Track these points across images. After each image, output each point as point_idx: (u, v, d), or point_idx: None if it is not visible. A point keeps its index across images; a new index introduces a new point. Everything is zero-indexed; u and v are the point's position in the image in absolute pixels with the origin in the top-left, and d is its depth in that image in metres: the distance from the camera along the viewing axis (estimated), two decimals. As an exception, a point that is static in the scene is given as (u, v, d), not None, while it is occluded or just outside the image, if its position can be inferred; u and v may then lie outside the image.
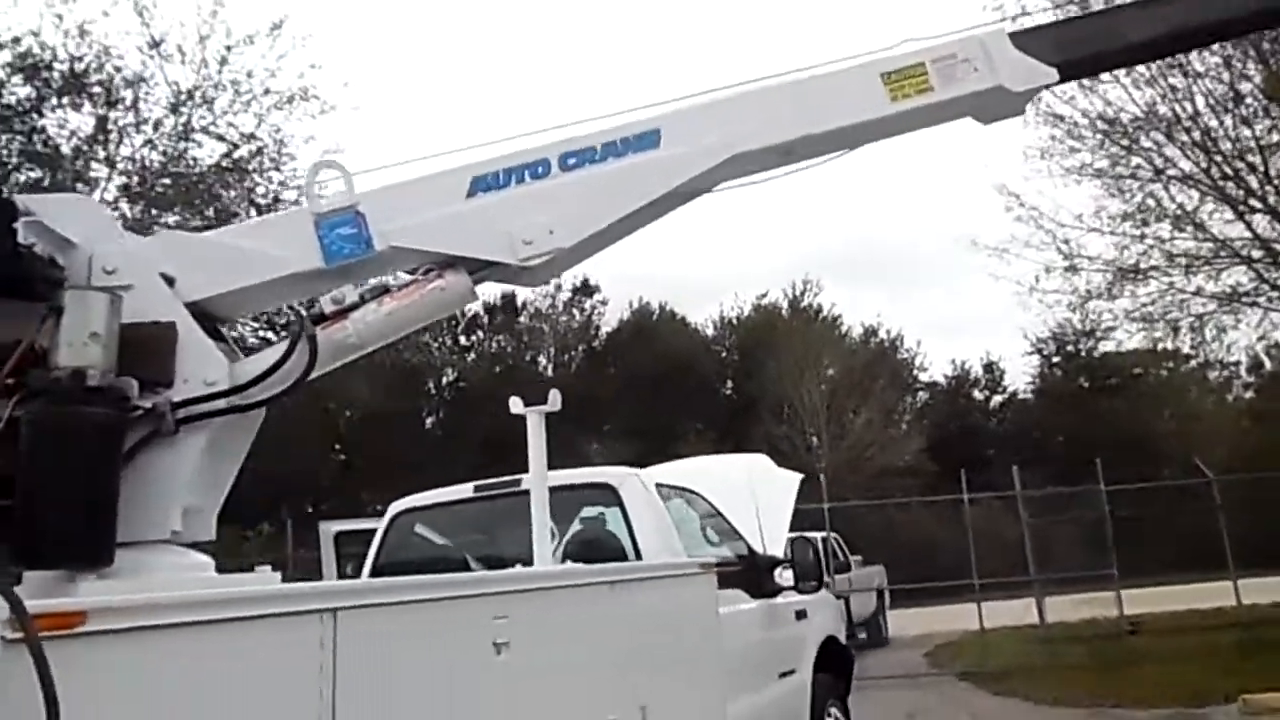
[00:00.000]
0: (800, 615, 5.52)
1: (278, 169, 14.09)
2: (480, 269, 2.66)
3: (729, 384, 34.10)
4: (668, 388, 30.06)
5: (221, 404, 2.27)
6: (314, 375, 2.33)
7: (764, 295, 34.38)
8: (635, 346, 32.59)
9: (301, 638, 2.03)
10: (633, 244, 2.93)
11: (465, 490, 4.85)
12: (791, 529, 14.09)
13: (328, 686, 2.08)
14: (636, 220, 2.81)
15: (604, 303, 34.10)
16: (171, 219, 12.98)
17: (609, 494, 4.44)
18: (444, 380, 33.32)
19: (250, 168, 13.97)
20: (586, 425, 27.07)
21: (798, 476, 6.70)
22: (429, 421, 32.81)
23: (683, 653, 3.60)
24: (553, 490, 4.56)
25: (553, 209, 2.65)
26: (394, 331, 2.57)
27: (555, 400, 3.50)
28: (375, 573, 4.84)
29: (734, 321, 34.85)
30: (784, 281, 35.37)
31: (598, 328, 34.16)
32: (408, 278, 2.62)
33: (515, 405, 3.56)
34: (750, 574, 5.13)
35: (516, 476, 4.67)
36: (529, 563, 4.06)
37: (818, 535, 13.23)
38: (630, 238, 2.88)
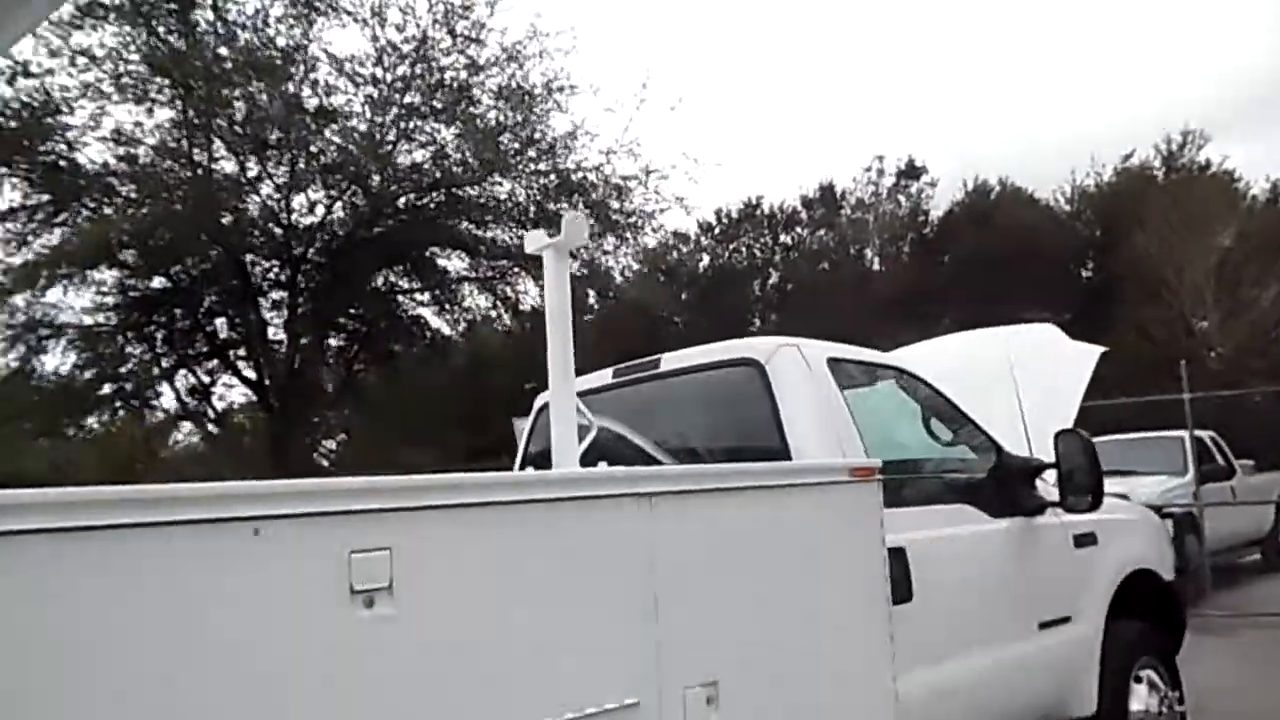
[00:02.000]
0: (1084, 540, 3.92)
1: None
2: None
3: (1087, 263, 29.48)
4: (1011, 273, 26.53)
5: None
6: None
7: (1129, 155, 28.96)
8: (972, 230, 29.11)
9: None
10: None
11: (605, 376, 3.94)
12: (1159, 428, 11.40)
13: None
14: None
15: (933, 184, 30.78)
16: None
17: (753, 373, 3.22)
18: (768, 282, 32.49)
19: None
20: (921, 320, 24.86)
21: (1096, 351, 4.86)
22: (755, 324, 32.28)
23: (805, 599, 2.40)
24: (684, 371, 3.54)
25: None
26: None
27: (579, 229, 2.37)
28: (524, 467, 4.19)
29: (1093, 190, 29.85)
30: (1155, 137, 29.22)
31: (927, 213, 31.03)
32: None
33: (531, 241, 2.49)
34: (996, 484, 3.69)
35: (656, 357, 3.71)
36: (678, 453, 3.30)
37: (1181, 433, 10.62)
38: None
